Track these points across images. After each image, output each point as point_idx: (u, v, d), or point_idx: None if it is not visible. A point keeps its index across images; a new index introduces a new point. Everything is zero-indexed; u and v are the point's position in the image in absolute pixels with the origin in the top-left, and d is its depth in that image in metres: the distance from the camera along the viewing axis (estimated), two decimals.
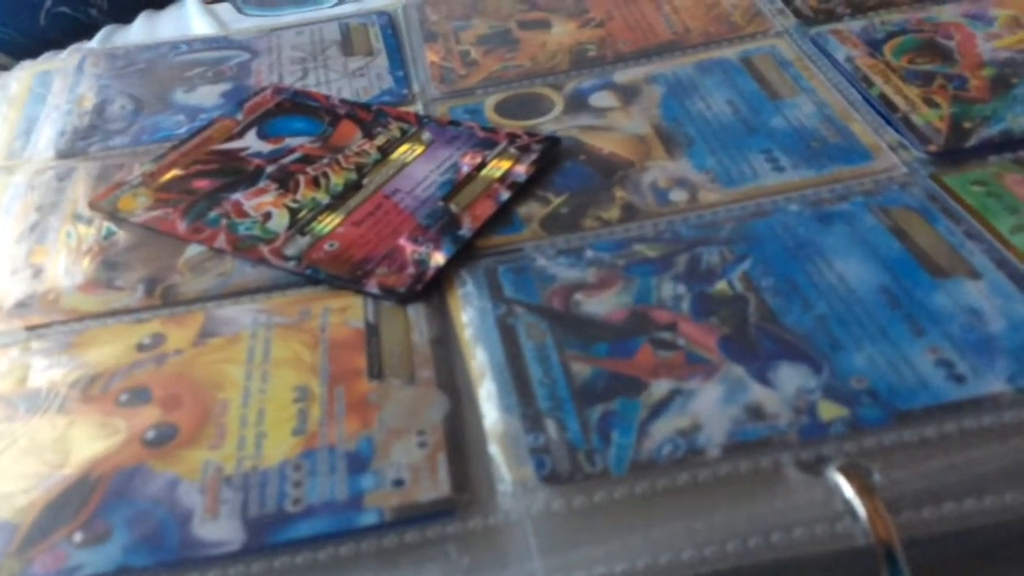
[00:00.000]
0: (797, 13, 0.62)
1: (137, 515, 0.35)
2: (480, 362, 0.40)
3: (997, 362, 0.38)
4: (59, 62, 0.67)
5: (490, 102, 0.58)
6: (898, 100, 0.53)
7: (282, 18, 0.73)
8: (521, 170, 0.51)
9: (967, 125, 0.50)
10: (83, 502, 0.36)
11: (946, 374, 0.37)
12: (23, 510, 0.36)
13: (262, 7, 0.81)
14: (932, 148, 0.49)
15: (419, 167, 0.53)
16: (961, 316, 0.40)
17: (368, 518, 0.34)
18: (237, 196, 0.52)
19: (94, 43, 0.76)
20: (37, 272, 0.48)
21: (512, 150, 0.53)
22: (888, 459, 0.34)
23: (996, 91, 0.52)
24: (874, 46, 0.57)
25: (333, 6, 0.77)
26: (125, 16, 0.94)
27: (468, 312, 0.43)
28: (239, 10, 0.81)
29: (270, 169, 0.54)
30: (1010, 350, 0.38)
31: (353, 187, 0.51)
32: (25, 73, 0.66)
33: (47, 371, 0.42)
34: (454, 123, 0.56)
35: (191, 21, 0.80)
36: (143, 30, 0.81)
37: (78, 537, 0.34)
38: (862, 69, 0.56)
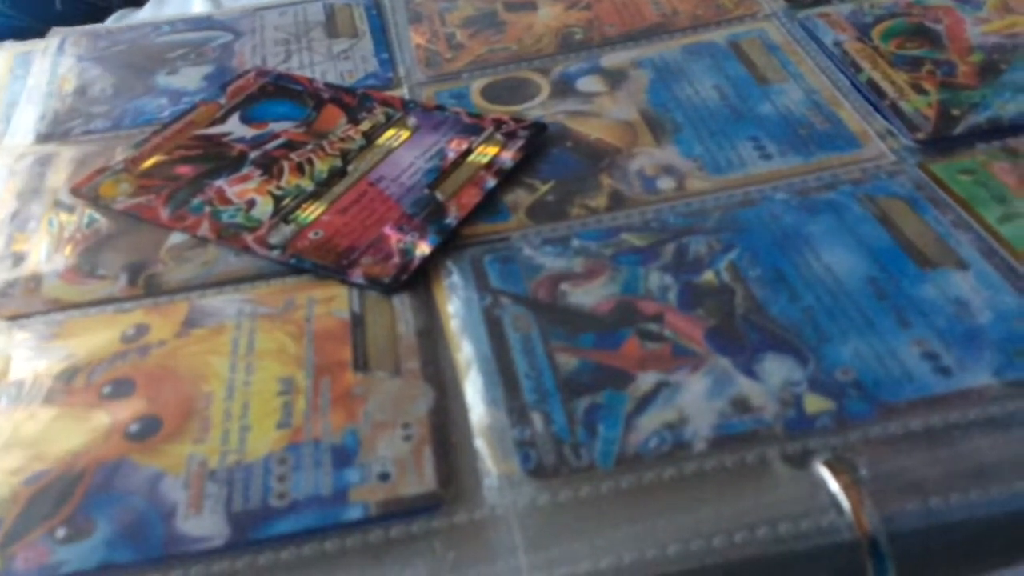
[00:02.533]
0: None
1: (120, 510, 0.35)
2: (466, 354, 0.40)
3: (983, 355, 0.38)
4: (39, 43, 0.65)
5: (476, 86, 0.57)
6: (886, 86, 0.52)
7: None
8: (507, 157, 0.51)
9: (955, 112, 0.50)
10: (66, 496, 0.35)
11: (932, 367, 0.37)
12: (5, 504, 0.35)
13: None
14: (920, 136, 0.49)
15: (405, 153, 0.52)
16: (948, 308, 0.40)
17: (353, 513, 0.34)
18: (220, 183, 0.51)
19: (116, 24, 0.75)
20: (18, 260, 0.47)
21: (498, 136, 0.52)
22: (874, 453, 0.34)
23: (984, 77, 0.52)
24: (863, 30, 0.57)
25: None
26: (141, 0, 0.94)
27: (454, 303, 0.43)
28: None
29: (254, 155, 0.53)
30: (996, 342, 0.38)
31: (338, 174, 0.51)
32: (4, 54, 0.65)
33: (29, 362, 0.41)
34: (440, 108, 0.55)
35: (193, 2, 0.80)
36: (151, 13, 0.81)
37: (60, 533, 0.34)
38: (850, 54, 0.55)
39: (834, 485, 0.33)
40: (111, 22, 0.79)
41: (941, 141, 0.49)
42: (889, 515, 0.33)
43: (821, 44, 0.57)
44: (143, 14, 0.85)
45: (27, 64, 0.64)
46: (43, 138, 0.56)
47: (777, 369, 0.38)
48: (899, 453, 0.34)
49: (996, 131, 0.49)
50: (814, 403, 0.36)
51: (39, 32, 0.68)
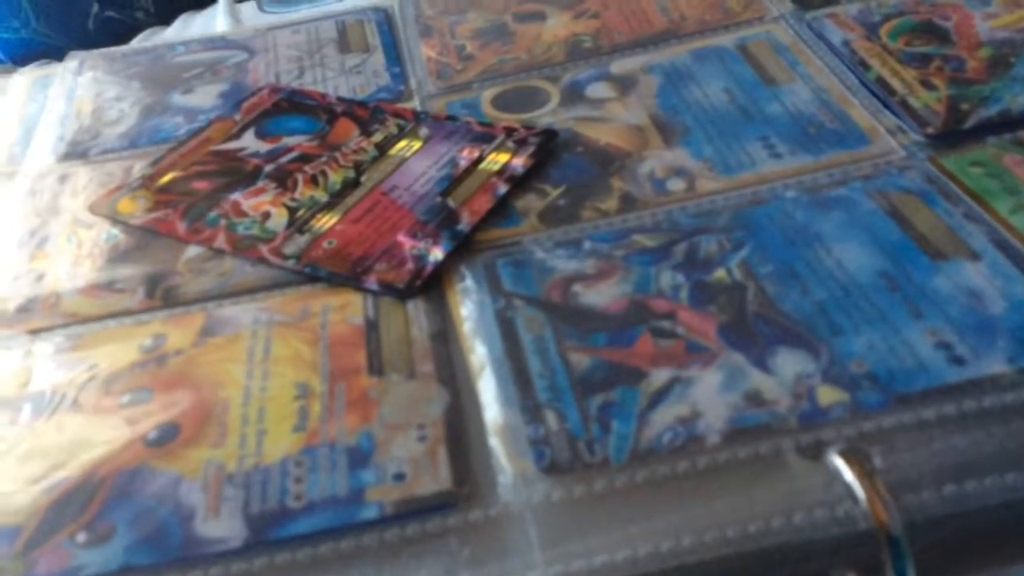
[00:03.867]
0: None
1: (140, 514, 0.35)
2: (480, 355, 0.40)
3: (997, 343, 0.37)
4: (58, 67, 0.67)
5: (487, 96, 0.58)
6: (895, 83, 0.52)
7: (283, 16, 0.73)
8: (519, 163, 0.51)
9: (965, 107, 0.50)
10: (86, 503, 0.36)
11: (946, 356, 0.37)
12: (27, 512, 0.36)
13: (280, 4, 0.82)
14: (930, 131, 0.49)
15: (417, 163, 0.53)
16: (961, 298, 0.40)
17: (369, 512, 0.34)
18: (236, 196, 0.52)
19: (132, 45, 0.76)
20: (39, 277, 0.48)
21: (509, 144, 0.53)
22: (888, 442, 0.34)
23: (994, 71, 0.52)
24: (871, 29, 0.57)
25: None
26: (171, 19, 0.96)
27: (467, 306, 0.43)
28: (260, 8, 0.82)
29: (268, 168, 0.54)
30: (1010, 331, 0.38)
31: (351, 185, 0.52)
32: (24, 78, 0.66)
33: (50, 374, 0.42)
34: (451, 118, 0.56)
35: (216, 21, 0.81)
36: (178, 32, 0.82)
37: (81, 537, 0.35)
38: (859, 52, 0.55)
39: (849, 475, 0.33)
40: (138, 41, 0.80)
41: (951, 135, 0.48)
42: (904, 504, 0.33)
43: (829, 44, 0.57)
44: (169, 33, 0.86)
45: (46, 87, 0.65)
46: (62, 158, 0.57)
47: (790, 363, 0.38)
48: (913, 442, 0.34)
49: (1007, 124, 0.49)
50: (827, 395, 0.36)
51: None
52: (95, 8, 0.99)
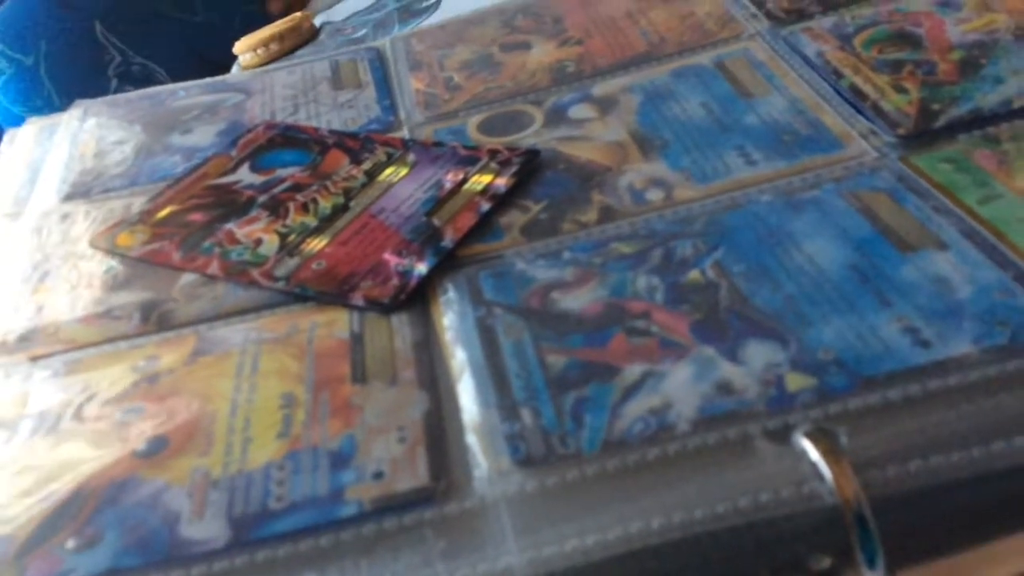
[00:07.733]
0: (769, 15, 0.63)
1: (127, 520, 0.36)
2: (459, 360, 0.41)
3: (963, 325, 0.38)
4: (63, 116, 0.69)
5: (473, 122, 0.59)
6: (868, 89, 0.53)
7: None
8: (502, 183, 0.52)
9: (936, 107, 0.51)
10: (76, 512, 0.37)
11: (912, 340, 0.38)
12: (20, 523, 0.37)
13: None
14: (901, 131, 0.50)
15: (404, 187, 0.54)
16: (928, 286, 0.40)
17: (348, 510, 0.35)
18: (230, 225, 0.53)
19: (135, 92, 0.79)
20: (39, 309, 0.50)
21: (493, 165, 0.54)
22: (854, 423, 0.35)
23: (965, 73, 0.53)
24: (845, 40, 0.58)
25: None
26: None
27: (449, 316, 0.44)
28: None
29: (262, 199, 0.55)
30: (976, 314, 0.38)
31: (341, 210, 0.53)
32: (32, 127, 0.69)
33: (47, 395, 0.43)
34: (438, 144, 0.58)
35: None
36: None
37: (71, 543, 0.36)
38: (832, 63, 0.57)
39: (815, 454, 0.34)
40: None
41: (923, 135, 0.49)
42: (870, 480, 0.33)
43: (804, 56, 0.58)
44: None
45: (52, 134, 0.67)
46: (66, 198, 0.59)
47: (760, 353, 0.39)
48: (880, 422, 0.35)
49: (977, 121, 0.49)
50: (795, 381, 0.37)
51: None
52: (114, 84, 1.03)
